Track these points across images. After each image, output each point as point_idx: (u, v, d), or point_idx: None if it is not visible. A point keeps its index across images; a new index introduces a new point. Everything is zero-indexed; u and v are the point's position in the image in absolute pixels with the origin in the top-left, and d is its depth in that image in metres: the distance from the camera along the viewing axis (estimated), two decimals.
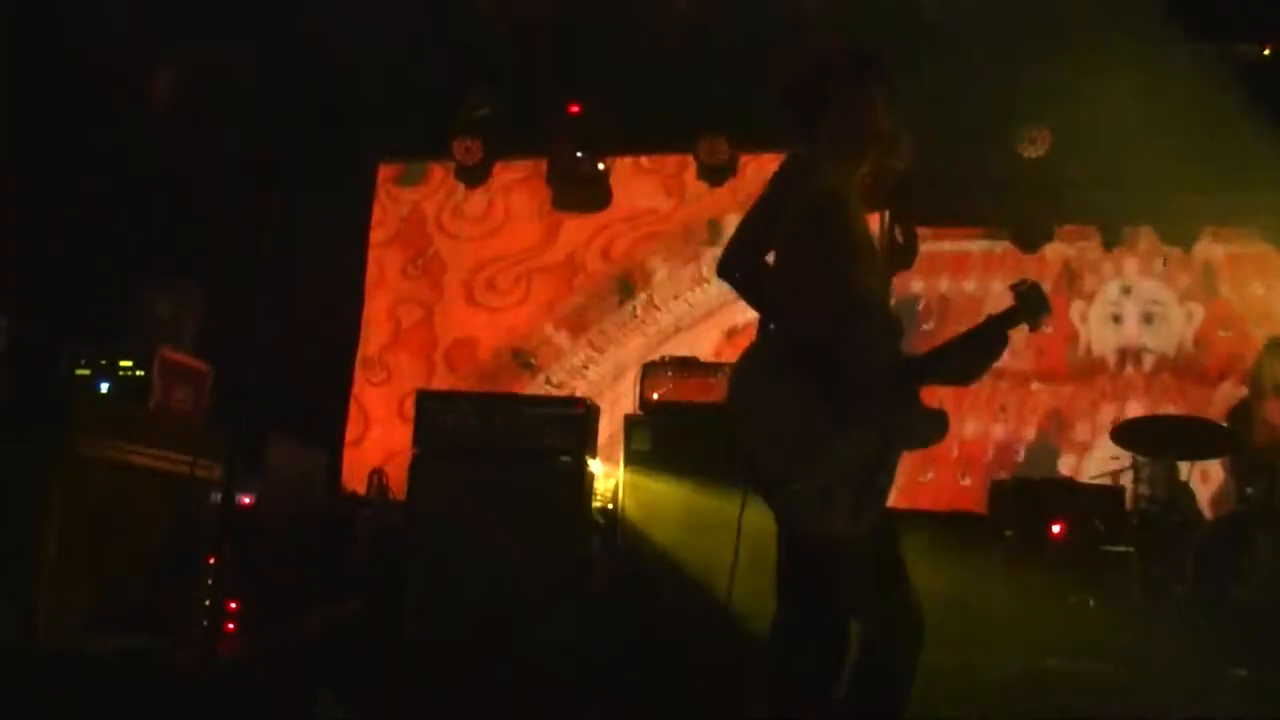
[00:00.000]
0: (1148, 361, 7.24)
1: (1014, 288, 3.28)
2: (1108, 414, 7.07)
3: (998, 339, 3.27)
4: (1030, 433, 7.29)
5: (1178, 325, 7.26)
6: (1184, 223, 7.28)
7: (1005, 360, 6.97)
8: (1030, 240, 7.43)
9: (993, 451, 7.25)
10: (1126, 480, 5.94)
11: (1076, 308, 7.40)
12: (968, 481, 7.18)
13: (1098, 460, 6.74)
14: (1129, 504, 5.78)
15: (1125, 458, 6.00)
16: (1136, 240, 7.42)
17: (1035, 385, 7.31)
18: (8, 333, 5.82)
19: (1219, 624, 5.29)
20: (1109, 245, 7.41)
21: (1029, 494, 5.61)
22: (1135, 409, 6.96)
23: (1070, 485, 5.55)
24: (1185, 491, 6.08)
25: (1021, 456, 7.21)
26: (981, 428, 7.34)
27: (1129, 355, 7.27)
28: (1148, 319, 7.28)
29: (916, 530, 5.85)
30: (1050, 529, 5.44)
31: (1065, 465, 7.15)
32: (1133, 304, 7.32)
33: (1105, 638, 5.25)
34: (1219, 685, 4.96)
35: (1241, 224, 7.19)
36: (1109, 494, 5.67)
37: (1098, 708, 4.86)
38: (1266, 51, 6.50)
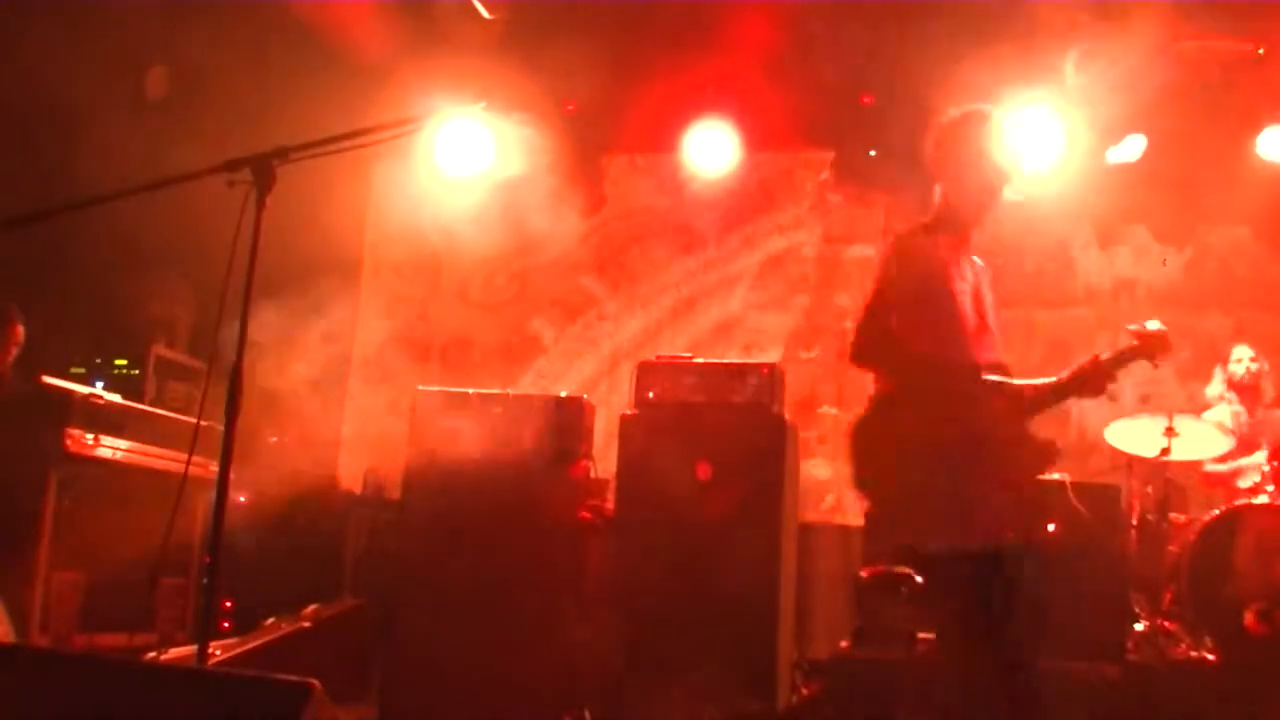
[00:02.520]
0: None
1: (1133, 330, 3.52)
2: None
3: (1104, 377, 3.51)
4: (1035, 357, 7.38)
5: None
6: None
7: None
8: None
9: None
10: (1122, 479, 5.95)
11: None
12: None
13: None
14: (1124, 503, 5.79)
15: (1120, 457, 6.03)
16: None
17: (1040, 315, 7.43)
18: (20, 342, 5.83)
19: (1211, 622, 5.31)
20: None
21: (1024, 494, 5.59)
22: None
23: (1066, 484, 5.54)
24: (1179, 490, 6.11)
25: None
26: None
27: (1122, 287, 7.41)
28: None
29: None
30: (1046, 528, 5.43)
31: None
32: None
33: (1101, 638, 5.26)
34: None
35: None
36: (1105, 493, 5.66)
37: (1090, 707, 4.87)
38: (1261, 50, 6.50)
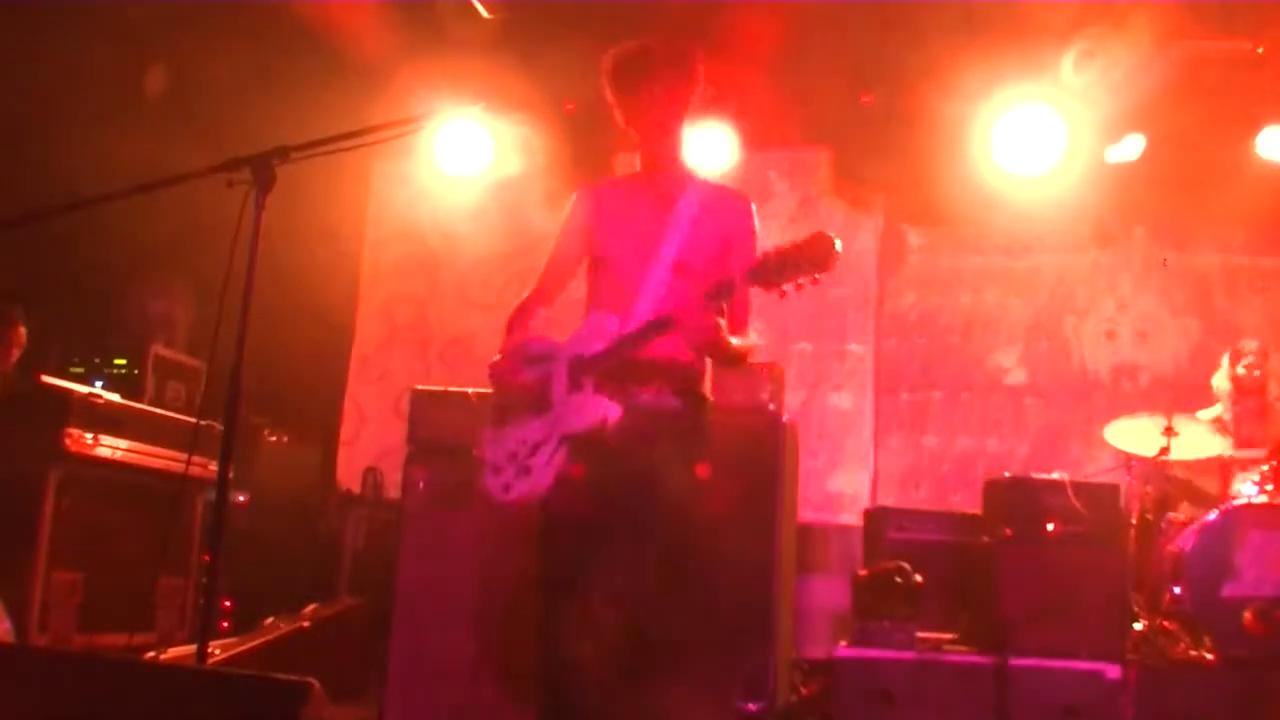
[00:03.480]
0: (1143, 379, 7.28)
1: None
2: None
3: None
4: (1023, 448, 7.31)
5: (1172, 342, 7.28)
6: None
7: (999, 375, 7.02)
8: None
9: (983, 467, 7.22)
10: (1121, 478, 5.95)
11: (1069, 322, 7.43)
12: (958, 498, 7.18)
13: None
14: (1124, 503, 5.79)
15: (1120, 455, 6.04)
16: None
17: (1029, 401, 7.34)
18: (22, 344, 5.84)
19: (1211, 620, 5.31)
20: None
21: (1024, 493, 5.60)
22: None
23: (1065, 484, 5.53)
24: (1179, 488, 6.12)
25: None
26: (975, 443, 7.37)
27: (1123, 373, 7.30)
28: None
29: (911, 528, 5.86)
30: (1045, 527, 5.43)
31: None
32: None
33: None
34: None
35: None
36: (1104, 492, 5.66)
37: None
38: (1260, 50, 6.51)
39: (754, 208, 3.55)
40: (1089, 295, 7.43)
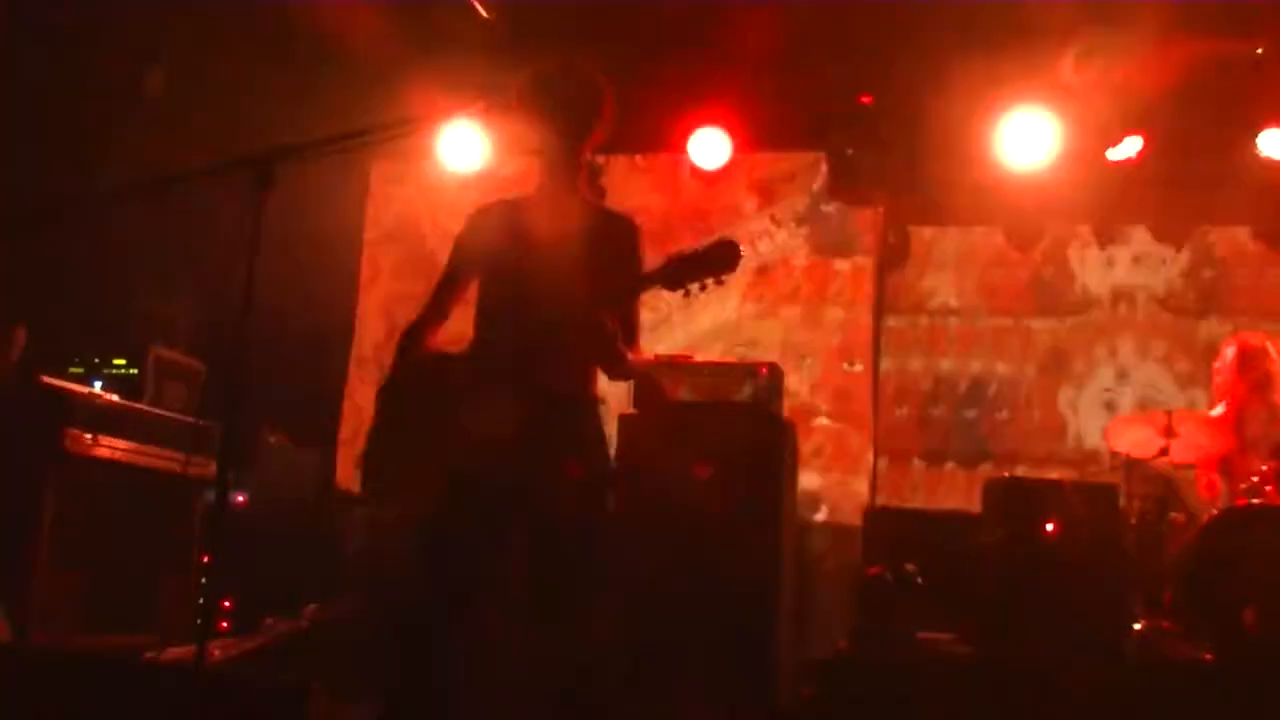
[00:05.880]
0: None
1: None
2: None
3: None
4: (1031, 369, 7.41)
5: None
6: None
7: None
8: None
9: (996, 386, 7.39)
10: (1119, 478, 5.95)
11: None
12: (972, 414, 7.37)
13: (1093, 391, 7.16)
14: (1123, 502, 5.79)
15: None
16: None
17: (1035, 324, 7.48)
18: (22, 345, 5.84)
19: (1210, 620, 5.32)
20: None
21: (1022, 493, 5.61)
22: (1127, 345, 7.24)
23: (1063, 484, 5.54)
24: (1179, 488, 6.12)
25: (1023, 393, 7.38)
26: (986, 365, 7.46)
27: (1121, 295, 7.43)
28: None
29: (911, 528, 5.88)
30: (1044, 528, 5.44)
31: (1063, 398, 7.34)
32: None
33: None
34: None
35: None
36: (1103, 492, 5.66)
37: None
38: (1260, 50, 6.51)
39: (640, 234, 3.64)
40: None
